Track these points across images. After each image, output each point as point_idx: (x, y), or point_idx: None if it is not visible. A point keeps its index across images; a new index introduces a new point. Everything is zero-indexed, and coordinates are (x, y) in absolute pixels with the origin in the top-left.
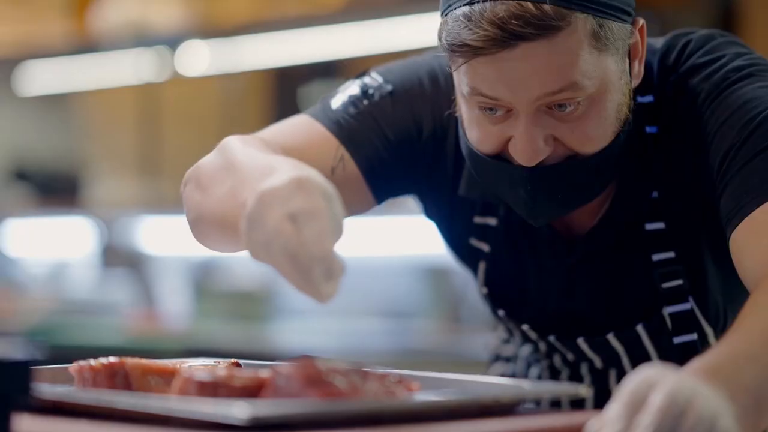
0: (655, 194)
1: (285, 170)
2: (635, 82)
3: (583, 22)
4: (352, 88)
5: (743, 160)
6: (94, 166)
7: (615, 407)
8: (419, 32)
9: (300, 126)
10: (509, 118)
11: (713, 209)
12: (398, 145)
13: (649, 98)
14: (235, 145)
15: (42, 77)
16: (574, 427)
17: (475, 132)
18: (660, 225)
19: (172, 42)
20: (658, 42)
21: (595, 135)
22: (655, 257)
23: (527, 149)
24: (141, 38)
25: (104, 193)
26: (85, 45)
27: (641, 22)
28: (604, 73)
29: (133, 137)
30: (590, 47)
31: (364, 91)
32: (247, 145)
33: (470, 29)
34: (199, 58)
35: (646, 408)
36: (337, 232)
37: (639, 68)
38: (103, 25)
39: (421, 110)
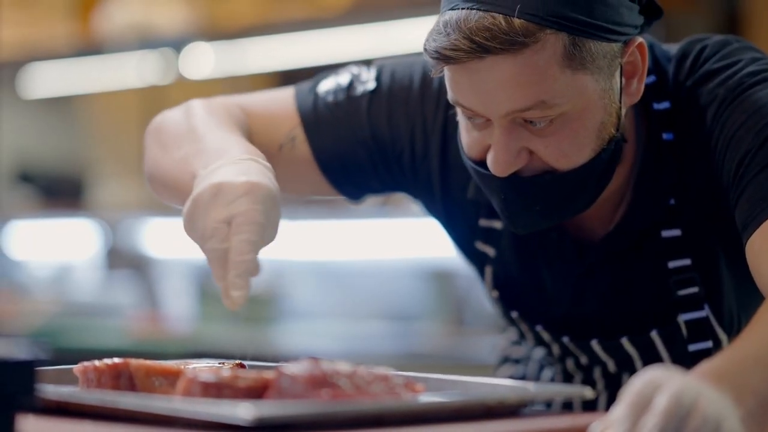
0: (672, 201)
1: (239, 164)
2: (632, 100)
3: (554, 40)
4: (344, 76)
5: (759, 165)
6: (98, 168)
7: (620, 408)
8: (424, 35)
9: (275, 98)
10: (489, 127)
11: (729, 215)
12: (365, 143)
13: (665, 105)
14: (199, 111)
15: (46, 80)
16: (577, 428)
17: (464, 137)
18: (676, 232)
19: (177, 44)
20: (673, 48)
21: (570, 152)
22: (671, 264)
23: (499, 160)
24: (145, 41)
25: (108, 195)
26: (90, 47)
27: (638, 40)
28: (581, 93)
29: (137, 140)
30: (562, 66)
31: (350, 84)
32: (210, 114)
33: (444, 36)
34: (204, 61)
35: (651, 410)
36: (268, 239)
37: (638, 86)
38: (107, 27)
39: (400, 113)
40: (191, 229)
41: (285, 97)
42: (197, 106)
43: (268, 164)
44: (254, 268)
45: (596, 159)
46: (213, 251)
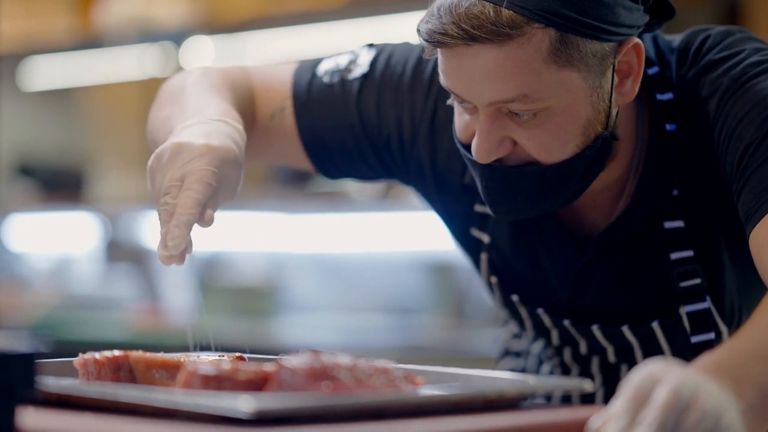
0: (675, 192)
1: (208, 125)
2: (625, 99)
3: (541, 35)
4: (343, 58)
5: (762, 156)
6: (98, 161)
7: (619, 402)
8: None
9: (278, 71)
10: (477, 113)
11: (732, 206)
12: (352, 128)
13: (668, 95)
14: (194, 74)
15: (47, 72)
16: (578, 421)
17: (456, 120)
18: (679, 223)
19: (177, 37)
20: (676, 39)
21: (552, 146)
22: (674, 256)
23: (480, 147)
24: (145, 33)
25: (108, 188)
26: (90, 40)
27: (634, 41)
28: (566, 89)
29: (138, 132)
30: (547, 61)
31: (347, 66)
32: (203, 77)
33: (436, 19)
34: (204, 54)
35: (651, 403)
36: (224, 198)
37: (633, 86)
38: (107, 20)
39: (388, 99)
40: (152, 183)
41: (286, 70)
42: (197, 69)
43: (239, 126)
44: (193, 223)
45: (580, 155)
46: (164, 206)
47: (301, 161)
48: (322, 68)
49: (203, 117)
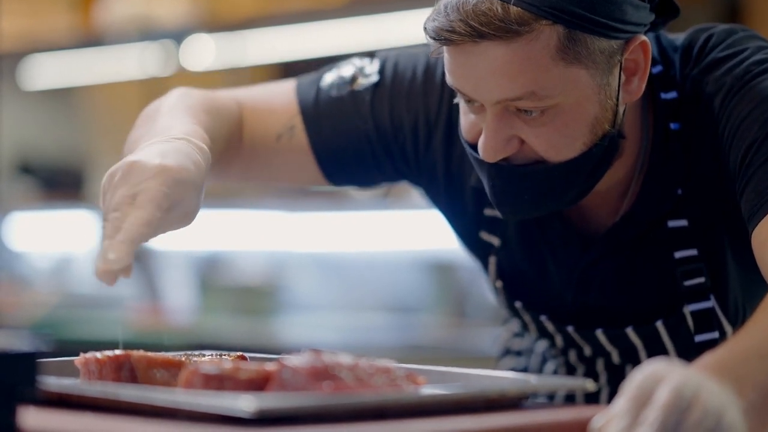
0: (679, 191)
1: (168, 143)
2: (631, 98)
3: (549, 32)
4: (347, 69)
5: (765, 154)
6: (98, 160)
7: (621, 402)
8: None
9: (276, 91)
10: (484, 111)
11: (735, 204)
12: (367, 137)
13: (672, 94)
14: (171, 97)
15: (47, 71)
16: (580, 421)
17: (462, 119)
18: (683, 222)
19: (178, 36)
20: (679, 38)
21: (560, 144)
22: (678, 255)
23: (487, 145)
24: (146, 32)
25: None
26: (91, 39)
27: (641, 39)
28: (574, 86)
29: None
30: (555, 58)
31: (354, 77)
32: (180, 99)
33: (443, 17)
34: (205, 53)
35: (652, 403)
36: (177, 222)
37: (639, 84)
38: (108, 19)
39: (401, 105)
40: (102, 199)
41: (286, 89)
42: (175, 92)
43: (203, 146)
44: (140, 241)
45: (588, 153)
46: (113, 220)
47: (308, 177)
48: (326, 82)
49: (165, 136)
